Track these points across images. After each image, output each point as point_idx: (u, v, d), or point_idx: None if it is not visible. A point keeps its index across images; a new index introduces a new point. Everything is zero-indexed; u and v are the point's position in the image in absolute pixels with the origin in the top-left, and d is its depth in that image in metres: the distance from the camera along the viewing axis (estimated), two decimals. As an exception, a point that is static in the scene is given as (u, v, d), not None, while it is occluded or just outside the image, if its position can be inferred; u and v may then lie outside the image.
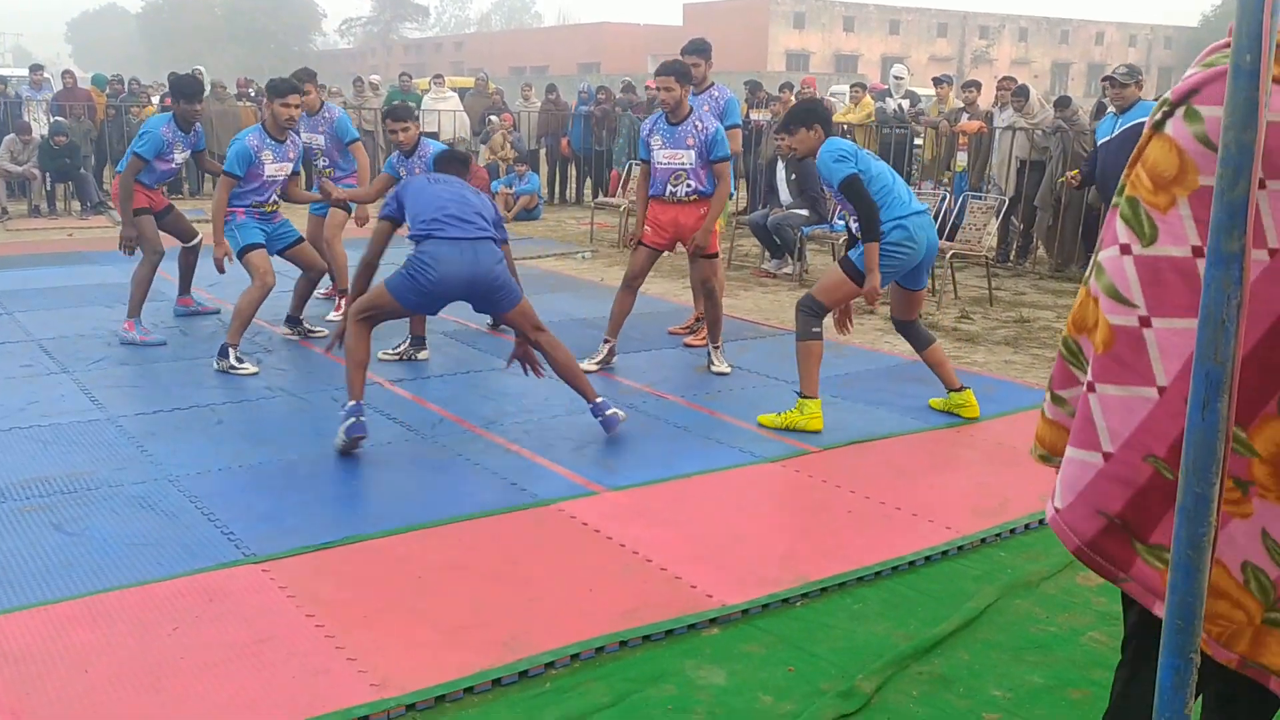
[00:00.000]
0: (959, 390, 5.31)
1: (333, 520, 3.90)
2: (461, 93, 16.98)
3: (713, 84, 6.56)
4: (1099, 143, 7.56)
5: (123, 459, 4.47)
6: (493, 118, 14.93)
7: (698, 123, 5.95)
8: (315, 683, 2.80)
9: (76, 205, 13.00)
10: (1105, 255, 1.74)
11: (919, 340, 5.34)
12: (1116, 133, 7.32)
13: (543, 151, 16.13)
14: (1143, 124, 4.97)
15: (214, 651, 2.94)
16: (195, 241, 7.14)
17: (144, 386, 5.58)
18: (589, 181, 15.52)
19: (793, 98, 13.56)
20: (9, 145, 12.73)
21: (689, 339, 6.81)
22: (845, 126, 11.66)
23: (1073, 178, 8.45)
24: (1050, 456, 1.92)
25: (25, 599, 3.21)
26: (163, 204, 6.86)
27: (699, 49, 6.53)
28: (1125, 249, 1.69)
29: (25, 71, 16.94)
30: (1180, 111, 1.65)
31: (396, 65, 48.41)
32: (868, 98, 12.84)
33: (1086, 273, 1.82)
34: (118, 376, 5.74)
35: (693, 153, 5.92)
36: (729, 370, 6.15)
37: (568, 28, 66.47)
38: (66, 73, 16.06)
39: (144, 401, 5.30)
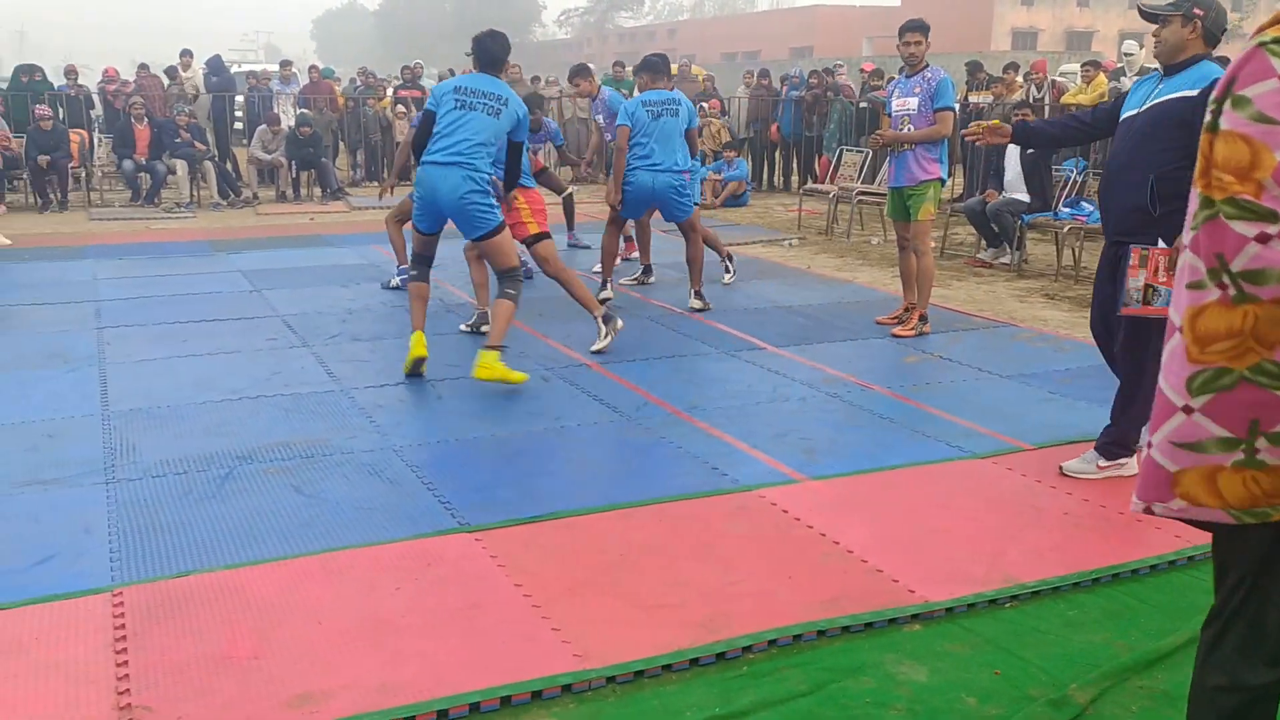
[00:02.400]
0: None
1: (540, 495, 4.05)
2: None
3: (927, 65, 6.36)
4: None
5: (354, 428, 4.79)
6: (702, 104, 14.99)
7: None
8: (523, 649, 2.92)
9: (318, 191, 13.98)
10: (1249, 255, 1.60)
11: None
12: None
13: (751, 137, 16.08)
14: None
15: (432, 613, 3.11)
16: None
17: (374, 361, 5.95)
18: (797, 167, 15.36)
19: (1018, 79, 12.97)
20: (261, 136, 13.82)
21: (897, 329, 6.65)
22: (1074, 108, 11.03)
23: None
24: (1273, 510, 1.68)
25: (267, 553, 3.50)
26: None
27: (915, 26, 6.38)
28: (1264, 237, 1.60)
29: (276, 67, 18.32)
30: (1228, 104, 1.64)
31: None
32: (1101, 76, 12.10)
33: (1206, 293, 1.64)
34: (351, 351, 6.15)
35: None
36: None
37: (780, 11, 65.83)
38: (312, 67, 17.28)
39: (374, 375, 5.66)
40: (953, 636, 3.05)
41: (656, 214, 7.75)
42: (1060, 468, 4.28)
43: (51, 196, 12.71)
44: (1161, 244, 3.90)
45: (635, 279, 8.22)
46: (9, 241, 9.91)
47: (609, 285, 7.53)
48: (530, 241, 6.31)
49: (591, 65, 9.64)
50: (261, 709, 2.62)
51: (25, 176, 12.86)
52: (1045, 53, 37.05)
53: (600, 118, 9.11)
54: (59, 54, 58.07)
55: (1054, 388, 5.47)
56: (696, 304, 7.29)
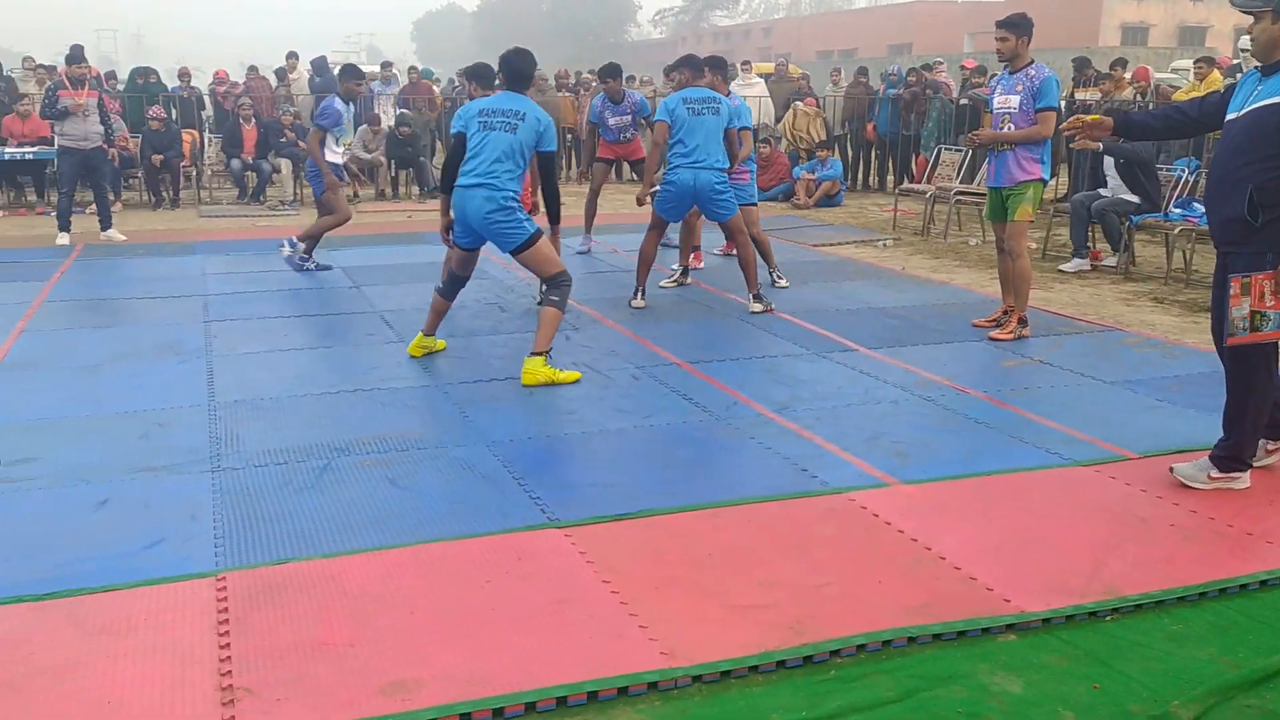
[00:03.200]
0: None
1: (629, 493, 4.07)
2: (766, 78, 17.05)
3: (1031, 61, 6.19)
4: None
5: (447, 423, 4.87)
6: (797, 103, 14.87)
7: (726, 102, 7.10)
8: (610, 645, 2.94)
9: (415, 190, 14.25)
10: None
11: None
12: (1245, 110, 3.87)
13: (846, 136, 15.88)
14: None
15: (521, 606, 3.15)
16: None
17: (468, 358, 6.05)
18: (893, 167, 15.12)
19: (1126, 76, 12.58)
20: (362, 135, 14.15)
21: (995, 332, 6.50)
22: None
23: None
24: None
25: (362, 543, 3.58)
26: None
27: (1011, 23, 6.19)
28: None
29: (377, 68, 18.74)
30: None
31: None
32: (1215, 74, 11.63)
33: None
34: (450, 345, 6.25)
35: None
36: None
37: (878, 8, 64.85)
38: (412, 68, 17.64)
39: (467, 371, 5.75)
40: (1049, 648, 2.97)
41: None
42: (1171, 468, 4.15)
43: (164, 194, 13.21)
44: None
45: (675, 280, 8.10)
46: (124, 238, 10.34)
47: (640, 294, 7.34)
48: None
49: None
50: (356, 695, 2.68)
51: (140, 175, 13.40)
52: (1157, 49, 35.77)
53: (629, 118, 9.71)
54: (172, 57, 60.36)
55: (1162, 395, 5.28)
56: (756, 307, 7.18)
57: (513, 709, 2.65)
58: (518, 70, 5.61)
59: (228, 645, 2.91)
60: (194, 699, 2.66)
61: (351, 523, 3.75)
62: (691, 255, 8.43)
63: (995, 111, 6.33)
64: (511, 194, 5.44)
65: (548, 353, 5.46)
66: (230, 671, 2.78)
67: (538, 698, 2.68)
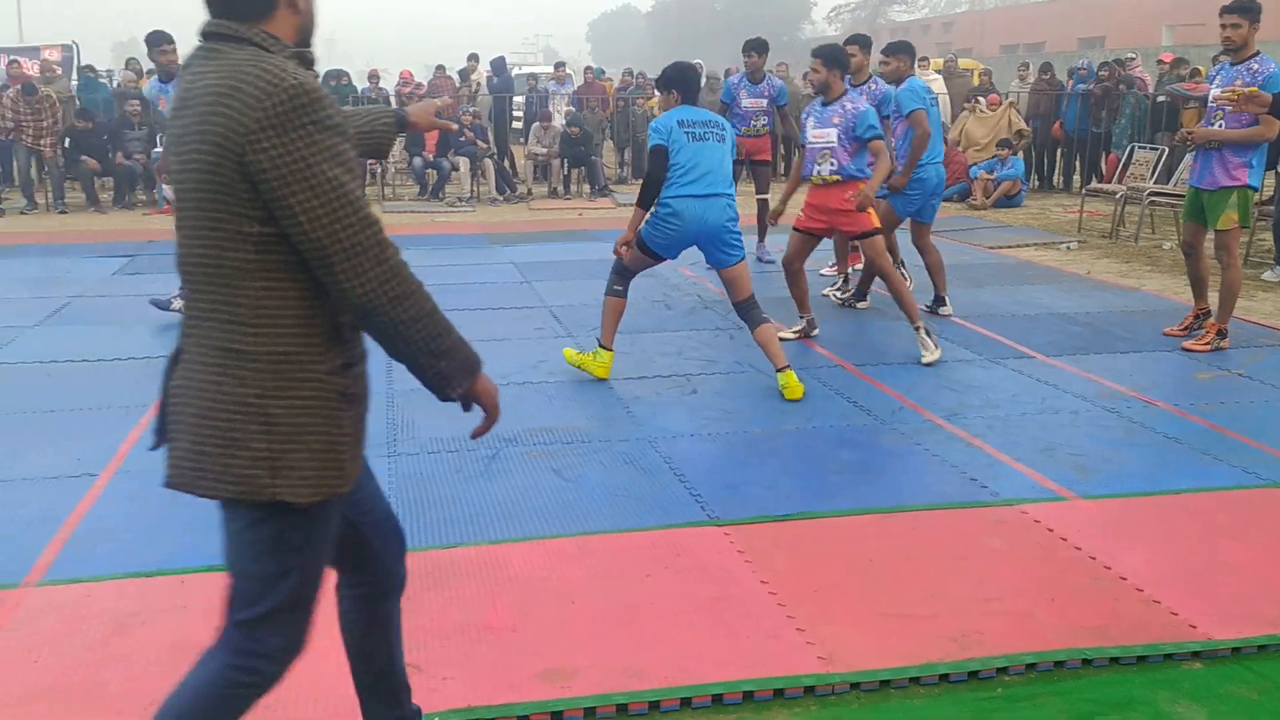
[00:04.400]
0: (781, 370, 5.23)
1: (790, 494, 4.03)
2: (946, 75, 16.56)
3: (1256, 53, 5.69)
4: None
5: (612, 417, 4.95)
6: (979, 99, 14.37)
7: (847, 104, 5.87)
8: (766, 646, 2.92)
9: (586, 188, 14.52)
10: None
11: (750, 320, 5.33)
12: None
13: (1031, 133, 15.24)
14: None
15: (679, 601, 3.17)
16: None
17: (633, 354, 6.12)
18: (1080, 166, 14.43)
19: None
20: (535, 133, 14.52)
21: (1189, 343, 6.11)
22: None
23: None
24: None
25: (527, 531, 3.68)
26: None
27: (1243, 8, 5.61)
28: None
29: (551, 69, 19.20)
30: None
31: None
32: None
33: None
34: (615, 342, 6.33)
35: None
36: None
37: (1068, 0, 62.13)
38: (587, 68, 17.98)
39: (632, 368, 5.82)
40: (1239, 679, 2.78)
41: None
42: None
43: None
44: None
45: (838, 290, 7.62)
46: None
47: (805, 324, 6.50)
48: (861, 236, 6.08)
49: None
50: (516, 679, 2.76)
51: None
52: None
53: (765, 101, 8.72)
54: (363, 59, 63.42)
55: (1376, 414, 4.86)
56: (946, 310, 6.97)
57: (668, 703, 2.67)
58: (693, 85, 5.46)
59: (399, 622, 3.03)
60: (367, 671, 2.79)
61: (517, 511, 3.85)
62: (851, 254, 8.21)
63: (1211, 105, 5.89)
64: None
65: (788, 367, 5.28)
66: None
67: (694, 694, 2.69)
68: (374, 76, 16.47)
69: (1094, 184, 12.66)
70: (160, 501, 3.89)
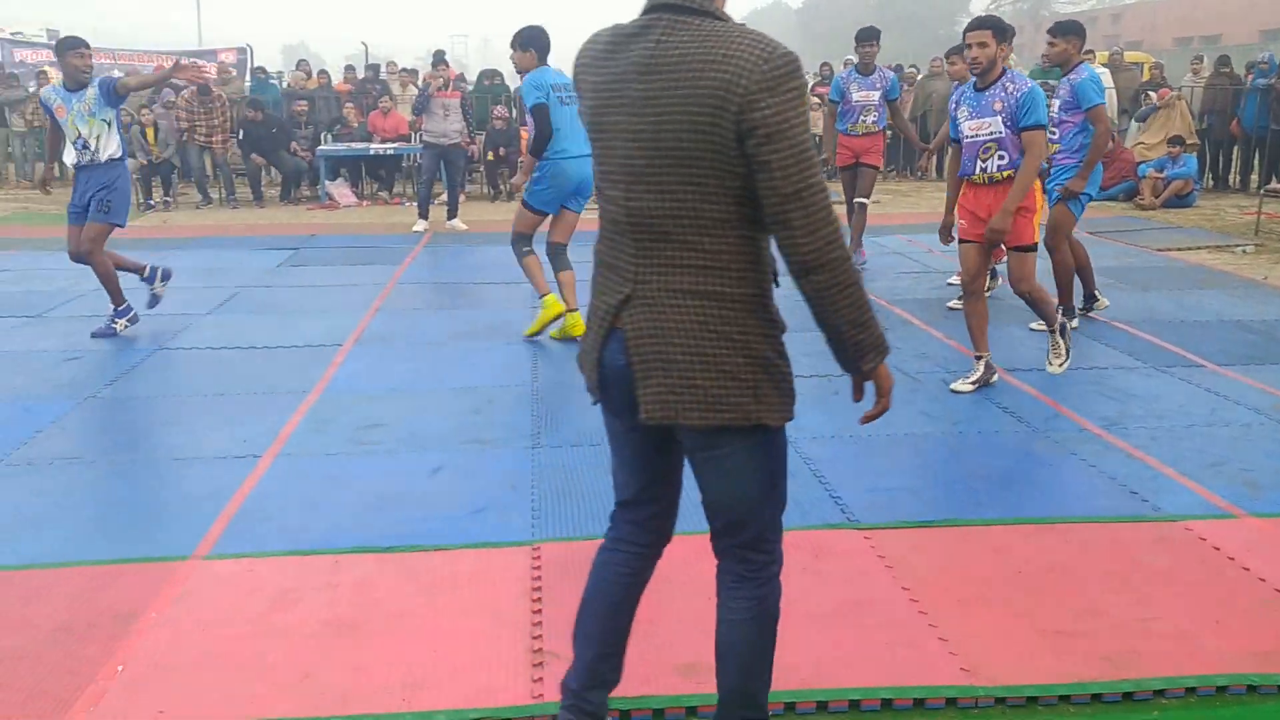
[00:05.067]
0: (573, 311, 5.95)
1: (936, 500, 3.92)
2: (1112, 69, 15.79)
3: None
4: None
5: (752, 416, 4.91)
6: (1150, 93, 13.66)
7: (1009, 84, 5.00)
8: (906, 654, 2.85)
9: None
10: None
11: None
12: None
13: (1204, 130, 14.42)
14: None
15: (816, 603, 3.13)
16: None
17: (775, 352, 6.06)
18: (1259, 165, 13.56)
19: None
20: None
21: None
22: None
23: None
24: None
25: (666, 526, 3.68)
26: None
27: None
28: None
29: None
30: None
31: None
32: None
33: None
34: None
35: None
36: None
37: (1249, -11, 58.51)
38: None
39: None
40: None
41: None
42: None
43: (501, 187, 14.22)
44: None
45: (1083, 311, 7.06)
46: (465, 227, 11.24)
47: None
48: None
49: (1014, 57, 8.66)
50: (654, 671, 2.77)
51: (481, 169, 14.50)
52: None
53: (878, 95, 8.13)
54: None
55: None
56: (1092, 307, 6.67)
57: (804, 705, 2.64)
58: (548, 45, 6.03)
59: (539, 611, 3.09)
60: (508, 657, 2.86)
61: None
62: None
63: None
64: None
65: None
66: (541, 636, 2.95)
67: (830, 698, 2.65)
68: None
69: (1273, 184, 11.87)
70: (316, 484, 4.08)
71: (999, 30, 5.01)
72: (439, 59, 11.58)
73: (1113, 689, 2.67)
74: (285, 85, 16.76)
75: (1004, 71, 5.05)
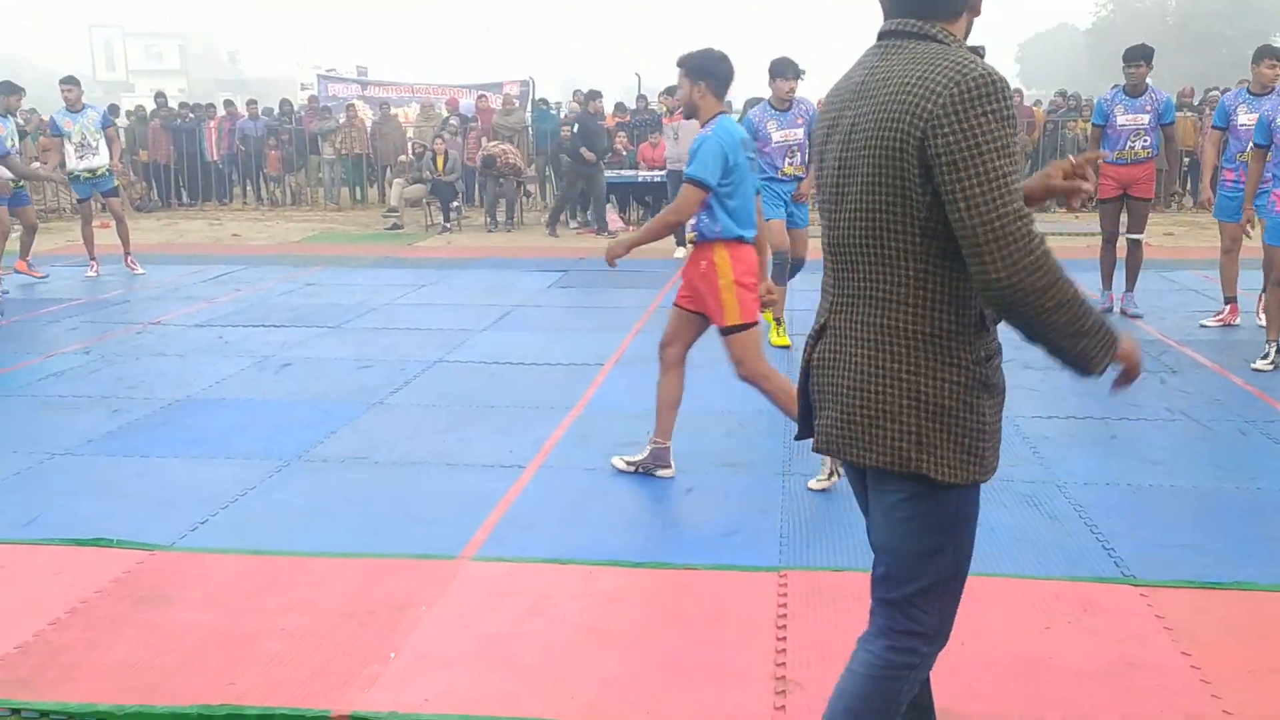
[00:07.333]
0: None
1: (1223, 560, 3.57)
2: None
3: None
4: None
5: (1016, 457, 4.67)
6: None
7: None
8: (1184, 726, 2.61)
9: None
10: None
11: None
12: None
13: None
14: None
15: (1083, 660, 2.92)
16: None
17: (1042, 390, 5.73)
18: None
19: None
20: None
21: None
22: None
23: None
24: None
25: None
26: None
27: None
28: None
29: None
30: None
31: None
32: None
33: None
34: (1020, 378, 6.00)
35: None
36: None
37: None
38: (1016, 90, 17.25)
39: (1041, 404, 5.46)
40: None
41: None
42: None
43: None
44: None
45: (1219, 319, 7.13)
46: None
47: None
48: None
49: None
50: (898, 714, 2.68)
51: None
52: None
53: None
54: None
55: None
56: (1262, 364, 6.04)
57: (1063, 769, 2.46)
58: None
59: (784, 639, 3.07)
60: (750, 681, 2.85)
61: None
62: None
63: None
64: None
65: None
66: (785, 664, 2.93)
67: (1093, 763, 2.46)
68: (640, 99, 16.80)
69: None
70: (575, 497, 4.25)
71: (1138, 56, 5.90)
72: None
73: None
74: (564, 115, 17.60)
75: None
